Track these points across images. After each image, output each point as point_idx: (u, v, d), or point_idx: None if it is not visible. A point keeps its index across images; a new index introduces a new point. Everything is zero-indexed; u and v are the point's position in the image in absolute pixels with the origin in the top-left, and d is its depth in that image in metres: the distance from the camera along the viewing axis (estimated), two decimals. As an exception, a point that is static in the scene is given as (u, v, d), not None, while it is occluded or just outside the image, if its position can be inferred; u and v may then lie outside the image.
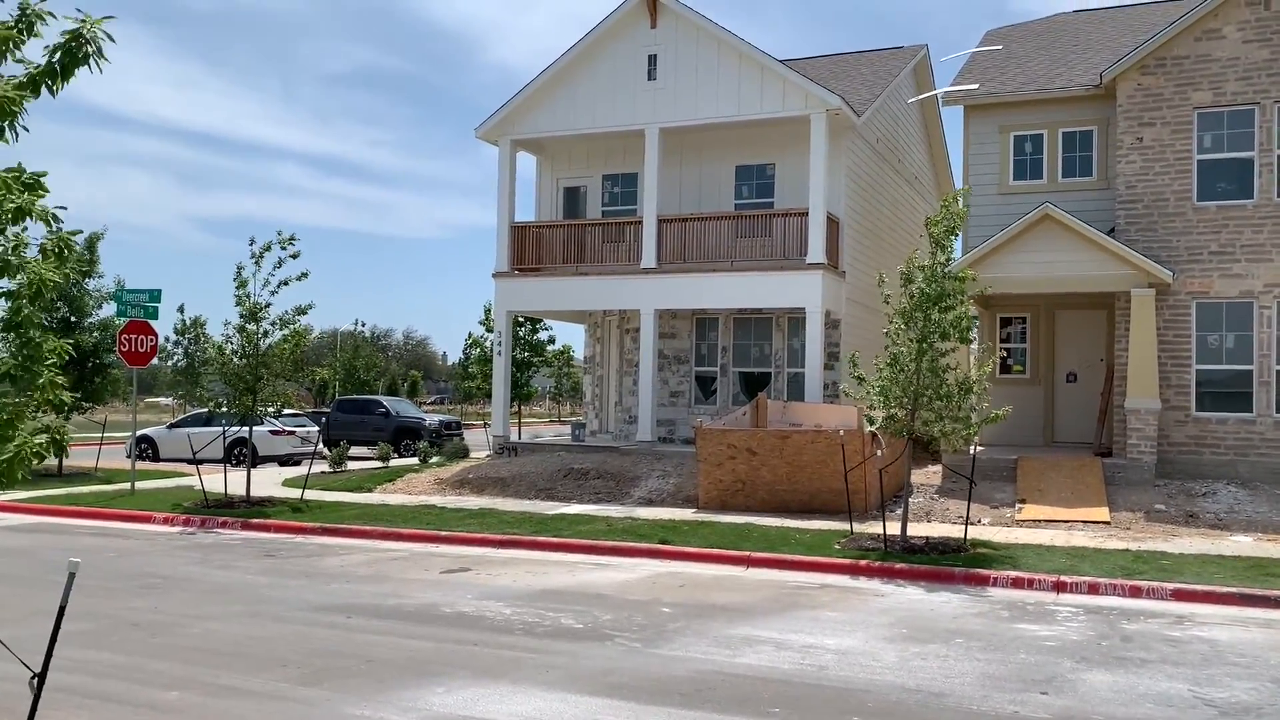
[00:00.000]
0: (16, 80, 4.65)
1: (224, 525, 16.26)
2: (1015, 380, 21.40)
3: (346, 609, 10.25)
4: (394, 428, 30.83)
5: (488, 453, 25.74)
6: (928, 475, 19.58)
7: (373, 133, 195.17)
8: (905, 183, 26.25)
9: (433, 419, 32.26)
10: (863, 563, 12.50)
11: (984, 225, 19.77)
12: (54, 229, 4.85)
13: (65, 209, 4.88)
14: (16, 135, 4.68)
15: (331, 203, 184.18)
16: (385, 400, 33.33)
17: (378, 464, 24.88)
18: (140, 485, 20.34)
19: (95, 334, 23.08)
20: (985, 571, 11.89)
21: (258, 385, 17.17)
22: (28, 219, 4.73)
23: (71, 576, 5.45)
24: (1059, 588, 11.43)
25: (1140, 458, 17.50)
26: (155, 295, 19.73)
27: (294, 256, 17.04)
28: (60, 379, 4.96)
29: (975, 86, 20.37)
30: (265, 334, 17.27)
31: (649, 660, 8.34)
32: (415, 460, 25.46)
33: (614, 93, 21.81)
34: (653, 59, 21.49)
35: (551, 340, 32.16)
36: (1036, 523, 15.74)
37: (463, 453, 25.45)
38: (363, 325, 63.61)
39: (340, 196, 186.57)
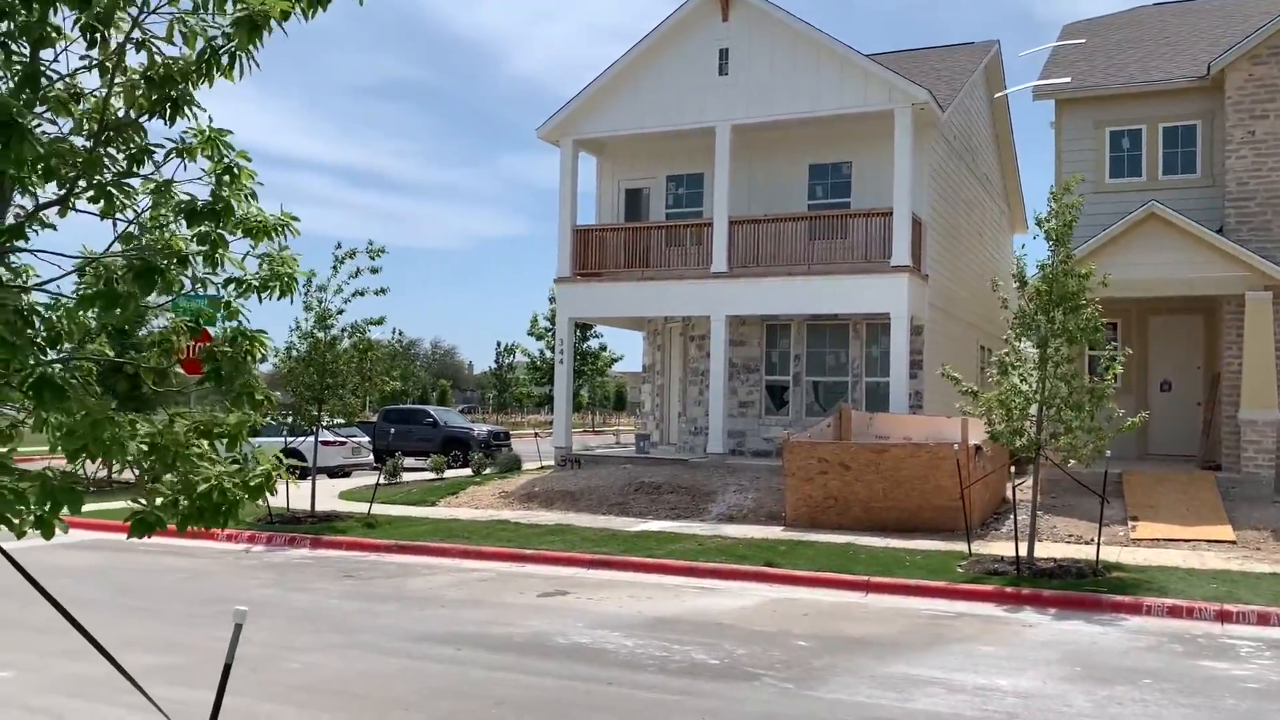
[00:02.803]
0: None
1: (292, 543, 15.42)
2: (1105, 389, 20.31)
3: (452, 639, 9.36)
4: (442, 438, 29.97)
5: (539, 464, 24.87)
6: (1021, 490, 18.51)
7: (395, 143, 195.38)
8: (978, 183, 25.24)
9: (481, 429, 31.41)
10: (1003, 589, 11.48)
11: (1079, 226, 18.66)
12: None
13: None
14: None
15: (353, 212, 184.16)
16: (433, 410, 32.50)
17: (432, 476, 24.03)
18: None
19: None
20: (1135, 599, 10.87)
21: (324, 395, 16.34)
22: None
23: (238, 629, 4.62)
24: (1223, 618, 10.39)
25: (1257, 472, 16.44)
26: (215, 303, 18.90)
27: (374, 271, 16.33)
28: (262, 384, 4.14)
29: (1068, 80, 19.35)
30: (334, 341, 16.45)
31: (813, 706, 7.39)
32: (468, 472, 24.60)
33: (682, 89, 20.90)
34: (724, 53, 20.58)
35: (603, 348, 31.24)
36: (1155, 542, 14.69)
37: (515, 464, 24.59)
38: (400, 335, 63.02)
39: (362, 206, 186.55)
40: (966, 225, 24.00)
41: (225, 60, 3.77)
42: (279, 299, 4.19)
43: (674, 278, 21.11)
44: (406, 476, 23.98)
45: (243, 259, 4.14)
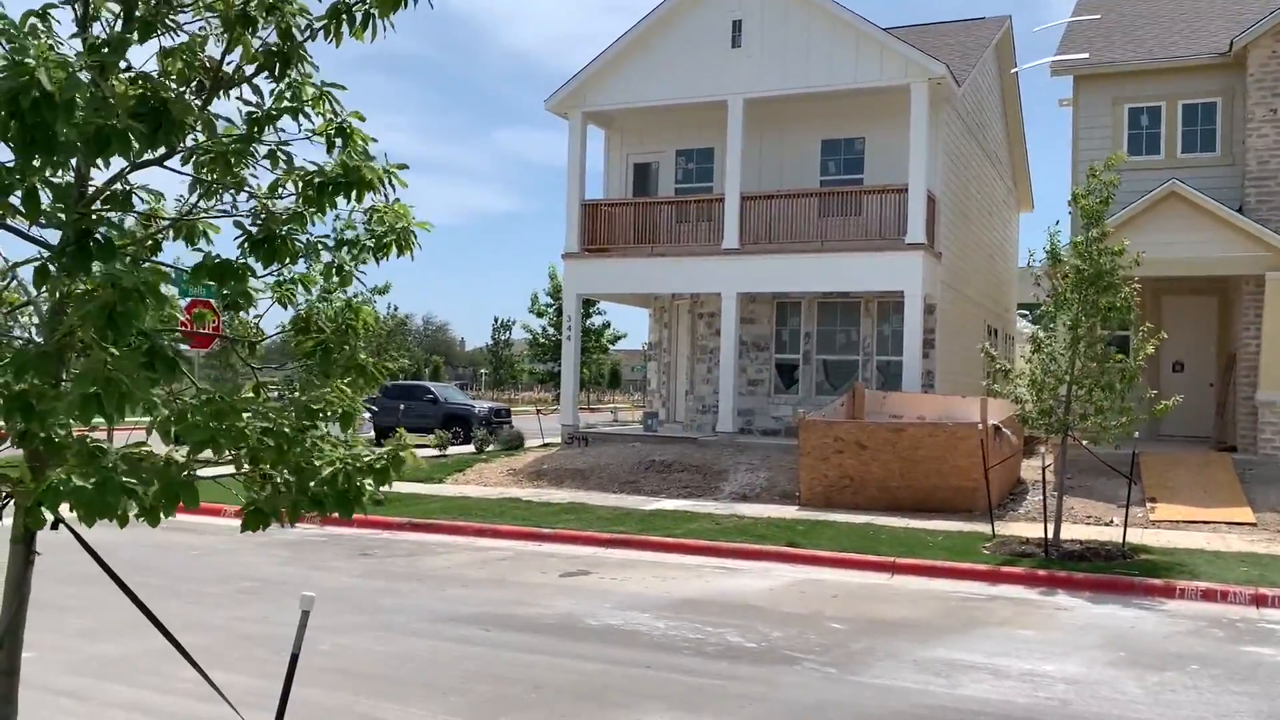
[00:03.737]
0: None
1: (302, 519, 15.15)
2: (1118, 369, 20.15)
3: (479, 619, 9.15)
4: (442, 415, 29.68)
5: (541, 441, 24.66)
6: (1035, 470, 18.37)
7: (387, 117, 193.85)
8: (987, 160, 24.99)
9: (482, 406, 31.12)
10: (1034, 571, 11.32)
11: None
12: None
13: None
14: None
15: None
16: (433, 386, 32.21)
17: (435, 453, 23.79)
18: (199, 473, 19.26)
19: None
20: (1168, 582, 10.73)
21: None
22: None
23: (305, 615, 4.41)
24: (1259, 601, 10.26)
25: (1274, 454, 16.34)
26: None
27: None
28: (371, 360, 3.87)
29: (1086, 56, 19.08)
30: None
31: (860, 692, 7.21)
32: (470, 449, 24.37)
33: (694, 62, 20.55)
34: (737, 25, 20.24)
35: (607, 325, 30.96)
36: (1175, 523, 14.59)
37: (518, 441, 24.39)
38: (395, 310, 62.20)
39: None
40: (977, 203, 23.77)
41: (359, 18, 3.48)
42: (398, 258, 3.89)
43: (684, 254, 20.85)
44: (409, 453, 23.71)
45: (349, 214, 3.82)
